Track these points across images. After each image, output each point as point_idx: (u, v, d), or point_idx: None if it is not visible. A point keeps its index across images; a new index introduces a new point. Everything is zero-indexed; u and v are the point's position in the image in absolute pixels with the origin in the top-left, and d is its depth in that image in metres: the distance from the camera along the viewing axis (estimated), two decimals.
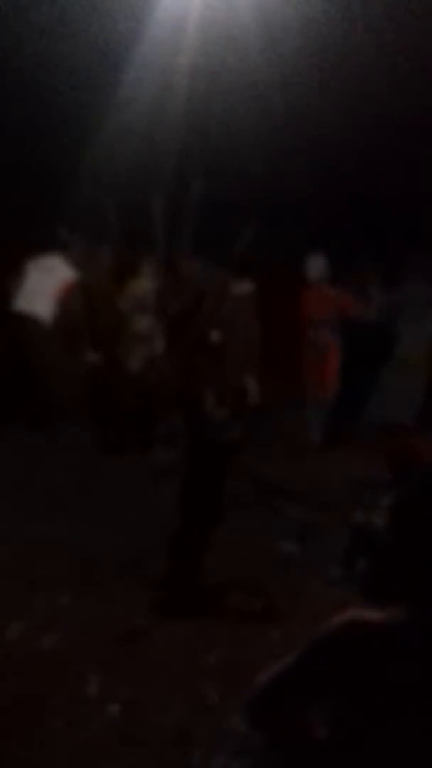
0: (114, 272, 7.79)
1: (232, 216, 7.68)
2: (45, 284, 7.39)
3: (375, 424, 7.23)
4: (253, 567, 4.63)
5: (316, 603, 4.32)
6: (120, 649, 3.74)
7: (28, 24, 8.05)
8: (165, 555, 4.42)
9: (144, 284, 7.61)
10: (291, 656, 1.76)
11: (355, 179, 9.07)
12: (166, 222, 7.73)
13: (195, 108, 8.64)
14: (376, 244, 8.09)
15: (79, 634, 3.84)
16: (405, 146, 8.76)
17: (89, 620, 3.97)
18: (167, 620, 4.01)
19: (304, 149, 8.92)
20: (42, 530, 4.96)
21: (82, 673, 3.48)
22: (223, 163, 8.59)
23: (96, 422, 7.08)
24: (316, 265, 7.58)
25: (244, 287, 7.57)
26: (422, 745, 1.59)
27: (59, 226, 7.64)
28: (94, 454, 6.61)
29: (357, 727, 1.62)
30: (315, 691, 1.72)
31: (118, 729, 3.15)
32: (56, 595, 4.19)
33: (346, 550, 4.61)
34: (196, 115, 8.69)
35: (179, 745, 3.06)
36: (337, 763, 1.66)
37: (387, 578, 4.23)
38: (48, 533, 4.93)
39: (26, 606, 4.06)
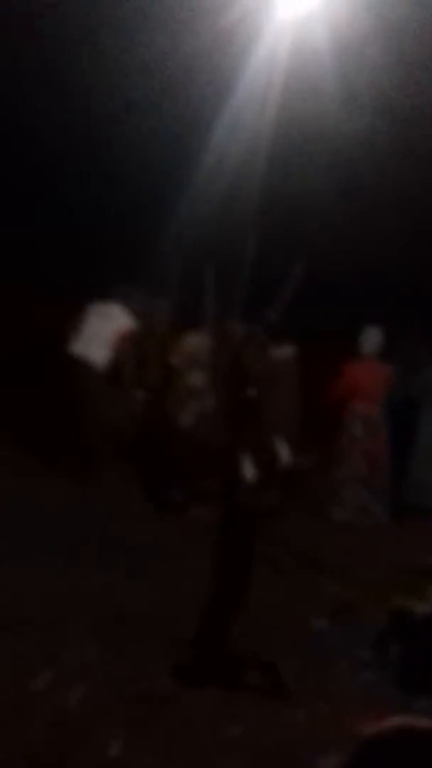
0: (170, 326, 7.95)
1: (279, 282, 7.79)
2: (103, 330, 7.53)
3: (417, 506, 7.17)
4: (282, 640, 4.59)
5: (343, 685, 4.26)
6: (144, 710, 3.72)
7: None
8: (197, 617, 4.39)
9: (197, 341, 7.73)
10: (335, 761, 1.72)
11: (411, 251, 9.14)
12: (219, 284, 7.90)
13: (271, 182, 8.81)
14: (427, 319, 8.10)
15: (105, 691, 3.83)
16: None
17: (115, 678, 3.95)
18: (187, 685, 3.97)
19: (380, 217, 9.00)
20: (75, 582, 4.97)
21: (106, 732, 3.47)
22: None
23: (141, 475, 7.13)
24: (371, 338, 7.59)
25: (284, 352, 7.66)
26: None
27: (123, 278, 7.83)
28: (135, 507, 6.65)
29: None
30: None
31: None
32: (85, 650, 4.18)
33: (381, 634, 4.56)
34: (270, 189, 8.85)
35: None
36: None
37: (422, 669, 4.17)
38: (81, 585, 4.94)
39: (54, 658, 4.05)
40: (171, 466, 7.08)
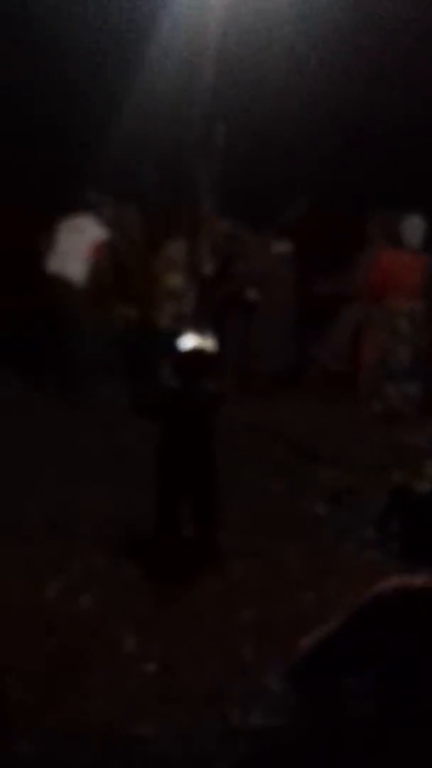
0: (145, 232, 7.77)
1: (268, 180, 7.61)
2: (76, 244, 7.38)
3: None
4: (285, 527, 4.65)
5: (349, 564, 4.34)
6: (155, 607, 3.78)
7: None
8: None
9: (175, 243, 7.58)
10: (335, 622, 1.75)
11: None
12: (195, 183, 7.69)
13: (226, 63, 8.49)
14: None
15: (114, 594, 3.89)
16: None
17: (123, 580, 4.01)
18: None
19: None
20: (73, 493, 5.00)
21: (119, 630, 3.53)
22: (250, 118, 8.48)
23: (128, 382, 7.08)
24: (413, 228, 7.16)
25: (281, 246, 7.53)
26: None
27: (89, 187, 7.60)
28: (128, 415, 6.62)
29: (402, 693, 1.61)
30: (359, 658, 1.71)
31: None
32: (90, 558, 4.23)
33: (382, 513, 4.62)
34: (227, 73, 8.54)
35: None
36: (379, 729, 1.65)
37: (425, 541, 4.24)
38: (80, 496, 4.98)
39: (61, 568, 4.10)
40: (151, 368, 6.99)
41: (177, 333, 7.08)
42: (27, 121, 8.44)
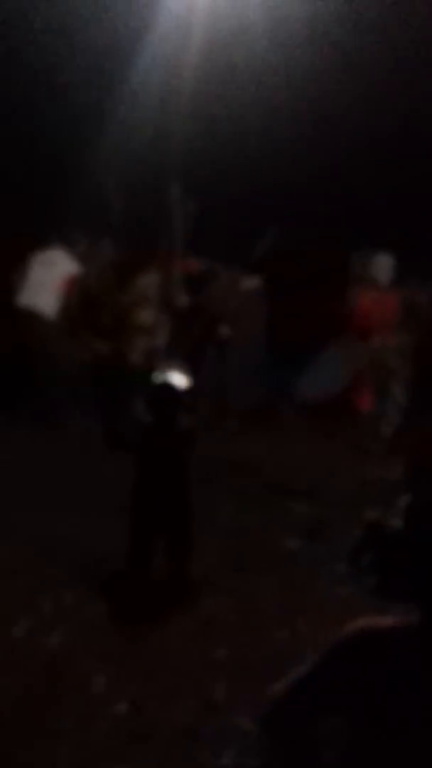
0: (117, 266, 7.82)
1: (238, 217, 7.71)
2: (48, 278, 7.40)
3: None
4: (259, 562, 4.61)
5: (322, 599, 4.30)
6: (124, 645, 3.72)
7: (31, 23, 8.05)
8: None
9: (146, 278, 7.62)
10: (305, 665, 1.73)
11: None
12: (168, 220, 7.77)
13: (200, 106, 8.63)
14: None
15: (84, 632, 3.82)
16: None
17: (93, 618, 3.95)
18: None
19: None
20: (46, 528, 4.93)
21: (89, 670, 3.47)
22: (227, 163, 8.60)
23: (101, 415, 7.05)
24: (381, 266, 7.33)
25: (251, 283, 7.59)
26: None
27: (62, 222, 7.68)
28: (98, 447, 6.58)
29: (372, 734, 1.59)
30: (329, 701, 1.69)
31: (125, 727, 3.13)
32: (60, 594, 4.16)
33: (355, 547, 4.60)
34: (202, 115, 8.69)
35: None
36: None
37: (398, 577, 4.22)
38: (52, 531, 4.91)
39: (31, 605, 4.03)
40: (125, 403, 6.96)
41: (149, 368, 7.19)
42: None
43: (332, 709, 1.69)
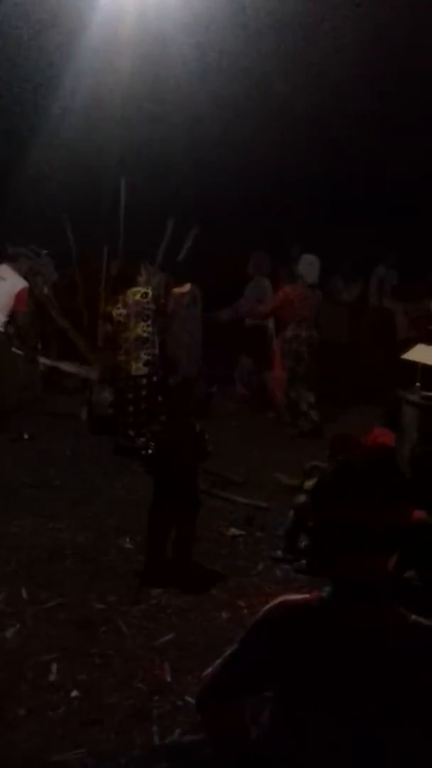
0: (61, 280, 8.56)
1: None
2: None
3: None
4: (203, 550, 4.86)
5: (260, 582, 4.58)
6: (77, 635, 3.93)
7: None
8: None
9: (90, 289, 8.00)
10: (233, 644, 1.88)
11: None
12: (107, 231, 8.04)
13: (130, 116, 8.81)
14: None
15: (38, 624, 4.01)
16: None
17: (47, 611, 4.14)
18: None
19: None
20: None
21: (44, 660, 3.67)
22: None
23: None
24: (310, 265, 7.74)
25: (183, 288, 8.00)
26: (353, 717, 1.69)
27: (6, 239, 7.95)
28: (56, 455, 6.85)
29: (292, 703, 1.75)
30: (252, 676, 1.85)
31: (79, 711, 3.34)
32: (15, 590, 4.35)
33: (287, 529, 4.88)
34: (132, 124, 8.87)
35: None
36: (276, 748, 1.80)
37: (315, 555, 4.49)
38: (6, 529, 5.15)
39: None
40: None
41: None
42: None
43: (256, 682, 1.87)
